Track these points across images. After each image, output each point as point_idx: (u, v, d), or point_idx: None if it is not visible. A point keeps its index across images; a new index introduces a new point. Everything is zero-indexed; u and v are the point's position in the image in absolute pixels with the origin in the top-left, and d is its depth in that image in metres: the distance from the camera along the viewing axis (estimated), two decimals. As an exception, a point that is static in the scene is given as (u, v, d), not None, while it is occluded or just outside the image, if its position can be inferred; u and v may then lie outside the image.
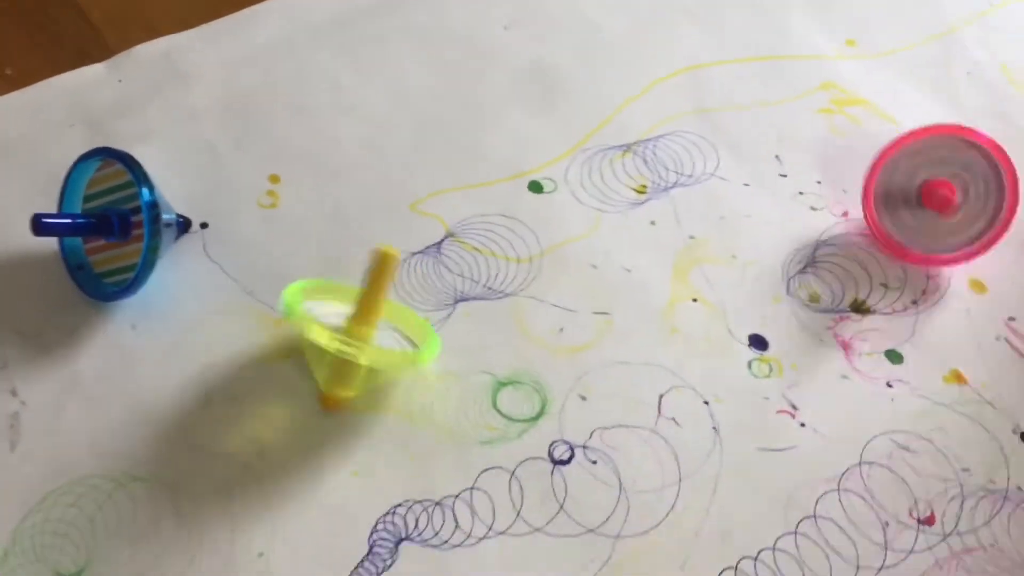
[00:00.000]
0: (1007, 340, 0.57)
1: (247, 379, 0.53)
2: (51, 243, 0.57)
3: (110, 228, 0.54)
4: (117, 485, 0.49)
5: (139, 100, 0.64)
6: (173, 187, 0.60)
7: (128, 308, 0.55)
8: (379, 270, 0.51)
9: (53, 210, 0.57)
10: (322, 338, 0.48)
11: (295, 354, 0.54)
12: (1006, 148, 0.56)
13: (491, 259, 0.59)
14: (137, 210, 0.54)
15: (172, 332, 0.54)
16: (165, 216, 0.54)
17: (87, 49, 0.66)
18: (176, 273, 0.57)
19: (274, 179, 0.61)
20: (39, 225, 0.52)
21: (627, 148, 0.64)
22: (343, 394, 0.52)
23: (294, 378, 0.53)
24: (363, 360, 0.49)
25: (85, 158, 0.56)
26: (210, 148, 0.62)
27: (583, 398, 0.54)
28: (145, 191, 0.52)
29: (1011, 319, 0.58)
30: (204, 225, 0.59)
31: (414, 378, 0.54)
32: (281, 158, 0.62)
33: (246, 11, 0.69)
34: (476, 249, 0.59)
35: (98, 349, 0.54)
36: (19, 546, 0.47)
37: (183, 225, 0.58)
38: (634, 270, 0.58)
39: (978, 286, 0.59)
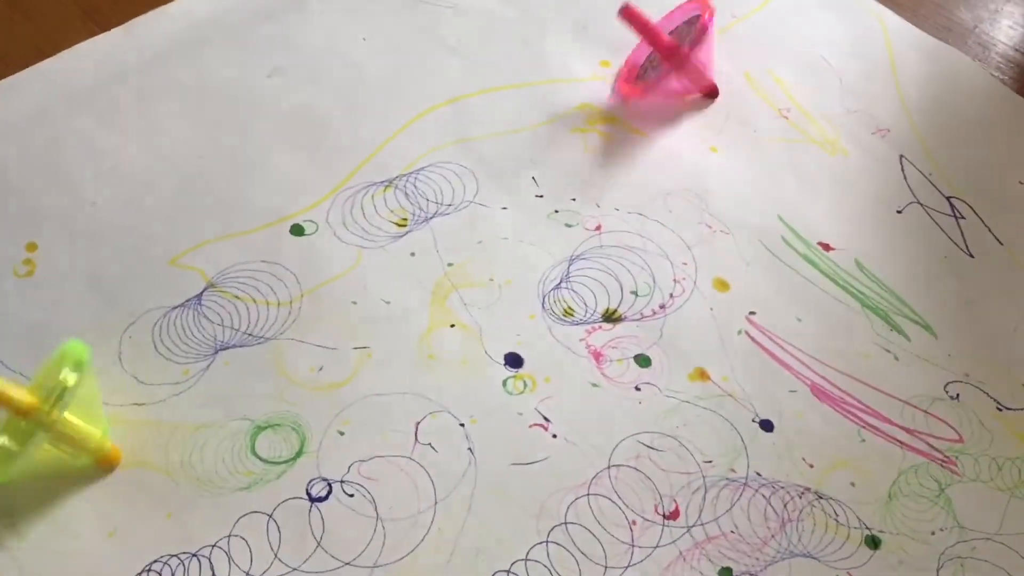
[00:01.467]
0: (747, 333, 0.60)
1: (-1, 452, 0.53)
2: None
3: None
4: None
5: None
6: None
7: None
8: None
9: None
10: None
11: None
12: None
13: (251, 305, 0.60)
14: None
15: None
16: None
17: None
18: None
19: (31, 247, 0.61)
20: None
21: (388, 183, 0.66)
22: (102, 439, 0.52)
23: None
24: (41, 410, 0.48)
25: None
26: (-40, 223, 0.62)
27: (341, 433, 0.55)
28: None
29: (751, 313, 0.61)
30: (-57, 302, 0.59)
31: (171, 433, 0.54)
32: (38, 225, 0.62)
33: (3, 82, 0.69)
34: (236, 297, 0.60)
35: None
36: None
37: None
38: (393, 302, 0.60)
39: (721, 284, 0.62)
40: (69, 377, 0.49)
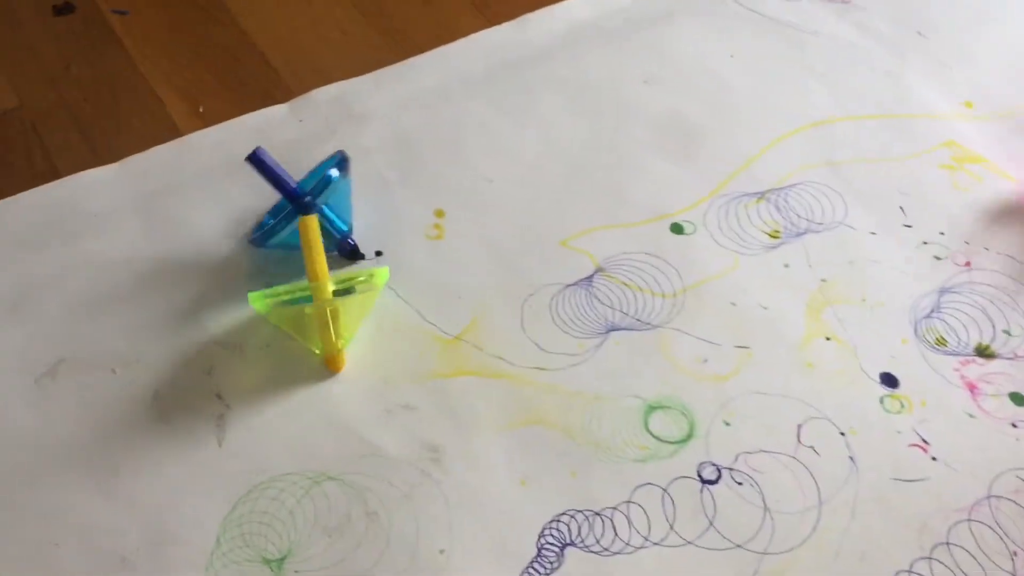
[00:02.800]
0: None
1: (423, 393, 0.59)
2: (251, 261, 0.64)
3: (293, 195, 0.62)
4: (313, 483, 0.55)
5: (318, 138, 0.71)
6: (355, 217, 0.66)
7: (315, 325, 0.62)
8: (303, 233, 0.60)
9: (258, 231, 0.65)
10: (287, 295, 0.59)
11: (469, 371, 0.60)
12: None
13: (638, 293, 0.64)
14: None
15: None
16: (329, 212, 0.63)
17: (270, 91, 0.74)
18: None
19: (439, 213, 0.67)
20: (253, 154, 0.61)
21: (760, 195, 0.69)
22: (339, 348, 0.59)
23: (470, 394, 0.59)
24: (327, 292, 0.58)
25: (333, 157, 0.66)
26: (382, 182, 0.69)
27: (727, 424, 0.58)
28: (331, 168, 0.62)
29: None
30: (379, 253, 0.65)
31: (571, 400, 0.59)
32: (443, 194, 0.68)
33: (407, 62, 0.76)
34: (624, 283, 0.64)
35: (290, 361, 0.60)
36: (228, 533, 0.53)
37: (352, 248, 0.64)
38: (770, 308, 0.63)
39: (1098, 336, 0.63)
40: (360, 284, 0.61)
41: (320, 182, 0.62)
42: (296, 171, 0.68)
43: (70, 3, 0.78)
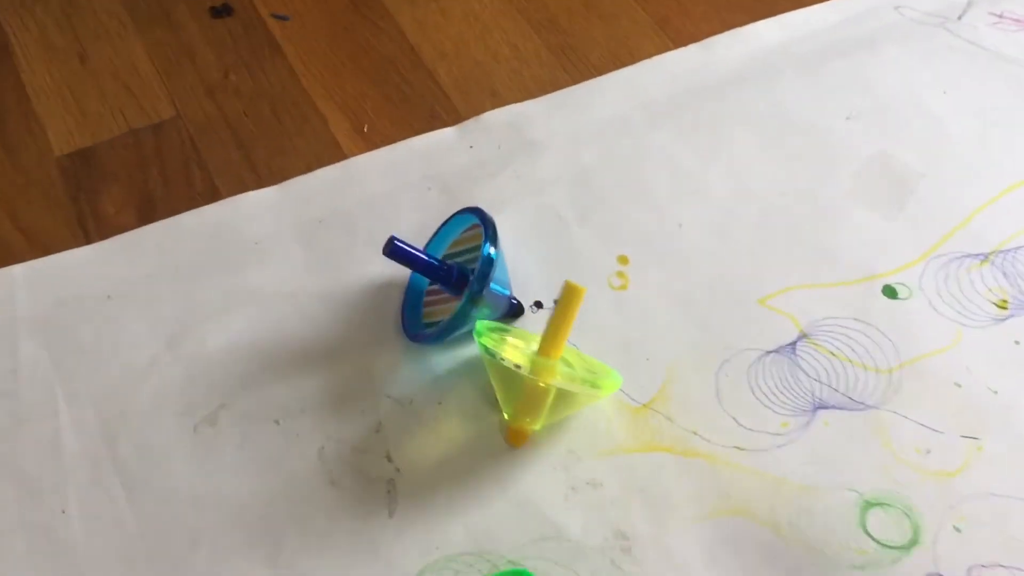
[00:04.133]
0: None
1: (610, 469, 0.53)
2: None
3: (447, 277, 0.56)
4: (491, 566, 0.50)
5: (490, 168, 0.65)
6: (525, 259, 0.61)
7: (488, 384, 0.56)
8: (566, 302, 0.52)
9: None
10: (515, 356, 0.51)
11: (660, 447, 0.54)
12: None
13: (848, 366, 0.57)
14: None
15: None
16: (496, 287, 0.55)
17: (436, 111, 0.68)
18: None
19: (623, 260, 0.61)
20: (391, 246, 0.54)
21: (984, 257, 0.61)
22: (529, 426, 0.53)
23: (662, 473, 0.53)
24: (554, 376, 0.51)
25: (461, 213, 0.59)
26: (560, 222, 0.63)
27: (957, 530, 0.51)
28: (488, 246, 0.54)
29: None
30: (539, 305, 0.59)
31: (776, 488, 0.52)
32: (627, 238, 0.62)
33: (585, 84, 0.70)
34: (832, 354, 0.57)
35: (463, 424, 0.55)
36: (401, 616, 0.49)
37: (515, 307, 0.58)
38: (1000, 392, 0.56)
39: None
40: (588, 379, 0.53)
41: (483, 265, 0.53)
42: (466, 201, 0.63)
43: (228, 4, 0.74)
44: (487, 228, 0.55)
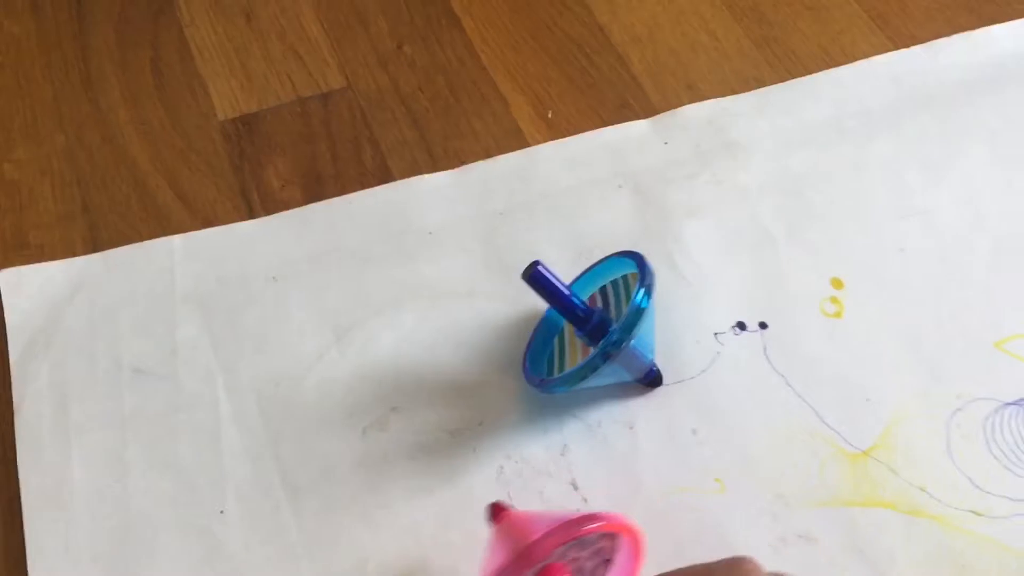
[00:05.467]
0: None
1: (825, 522, 0.47)
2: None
3: (584, 321, 0.48)
4: (691, 620, 0.44)
5: (686, 168, 0.59)
6: (726, 275, 0.55)
7: (689, 407, 0.50)
8: None
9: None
10: None
11: (883, 502, 0.47)
12: None
13: (1102, 429, 0.50)
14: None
15: (736, 447, 0.49)
16: (637, 345, 0.48)
17: (627, 100, 0.62)
18: (737, 377, 0.51)
19: (837, 284, 0.55)
20: (533, 271, 0.47)
21: None
22: None
23: (886, 533, 0.46)
24: None
25: (618, 256, 0.51)
26: (766, 236, 0.56)
27: None
28: (641, 293, 0.46)
29: None
30: (763, 325, 0.53)
31: (1020, 565, 0.45)
32: (841, 259, 0.55)
33: (794, 83, 0.62)
34: (1083, 413, 0.50)
35: (658, 451, 0.49)
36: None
37: (654, 375, 0.50)
38: None
39: None
40: None
41: (630, 315, 0.46)
42: (659, 203, 0.57)
43: (404, -30, 0.68)
44: (644, 275, 0.48)
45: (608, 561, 0.43)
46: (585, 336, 0.49)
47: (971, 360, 0.52)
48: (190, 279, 0.54)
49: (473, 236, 0.56)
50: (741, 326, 0.53)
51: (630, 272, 0.51)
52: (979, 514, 0.47)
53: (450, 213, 0.57)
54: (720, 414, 0.50)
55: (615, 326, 0.47)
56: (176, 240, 0.56)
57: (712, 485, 0.48)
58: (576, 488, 0.48)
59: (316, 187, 0.58)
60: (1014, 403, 0.50)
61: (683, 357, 0.52)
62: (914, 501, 0.47)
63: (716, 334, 0.53)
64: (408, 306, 0.54)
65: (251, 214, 0.57)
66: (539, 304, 0.50)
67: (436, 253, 0.56)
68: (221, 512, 0.47)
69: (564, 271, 0.52)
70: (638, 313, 0.46)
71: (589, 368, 0.47)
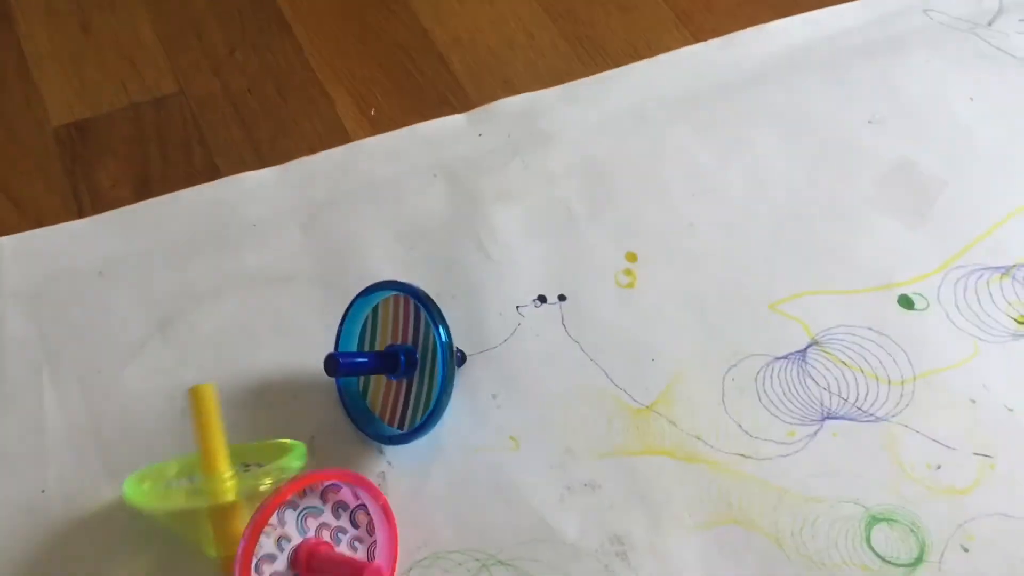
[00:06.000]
0: None
1: (609, 470, 0.51)
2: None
3: (395, 366, 0.51)
4: (481, 566, 0.48)
5: (499, 157, 0.63)
6: (530, 253, 0.59)
7: (491, 375, 0.54)
8: (199, 409, 0.46)
9: (410, 268, 0.57)
10: (184, 497, 0.46)
11: (662, 450, 0.52)
12: None
13: (860, 376, 0.55)
14: (424, 347, 0.51)
15: (532, 408, 0.53)
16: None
17: (447, 98, 0.66)
18: (536, 344, 0.56)
19: (631, 257, 0.60)
20: (337, 366, 0.49)
21: (1006, 271, 0.59)
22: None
23: (663, 478, 0.51)
24: (227, 495, 0.45)
25: (373, 291, 0.52)
26: (568, 215, 0.61)
27: (965, 549, 0.49)
28: (442, 331, 0.49)
29: None
30: (562, 297, 0.58)
31: (779, 499, 0.51)
32: (638, 236, 0.60)
33: (601, 75, 0.68)
34: (843, 363, 0.55)
35: (458, 416, 0.53)
36: (385, 615, 0.47)
37: (461, 358, 0.54)
38: (1017, 410, 0.54)
39: None
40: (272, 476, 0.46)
41: (444, 350, 0.49)
42: (472, 191, 0.61)
43: (238, -21, 0.72)
44: (430, 311, 0.49)
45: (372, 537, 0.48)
46: (398, 375, 0.51)
47: (748, 321, 0.57)
48: (18, 276, 0.57)
49: (296, 226, 0.60)
50: (542, 299, 0.58)
51: (388, 295, 0.52)
52: (747, 456, 0.52)
53: (274, 206, 0.61)
54: (518, 379, 0.54)
55: (443, 358, 0.48)
56: (4, 240, 0.59)
57: (507, 443, 0.52)
58: (382, 452, 0.52)
59: (145, 187, 0.61)
60: (783, 357, 0.56)
61: (486, 329, 0.56)
62: (690, 449, 0.52)
63: (518, 307, 0.57)
64: (229, 294, 0.57)
65: (81, 214, 0.60)
66: (353, 284, 0.54)
67: (260, 243, 0.59)
68: (42, 491, 0.50)
69: (384, 254, 0.57)
70: (448, 347, 0.49)
71: (445, 399, 0.49)
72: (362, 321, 0.54)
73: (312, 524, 0.45)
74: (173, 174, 0.62)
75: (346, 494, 0.47)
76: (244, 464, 0.50)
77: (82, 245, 0.59)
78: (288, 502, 0.45)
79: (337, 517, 0.46)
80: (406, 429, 0.51)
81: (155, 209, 0.60)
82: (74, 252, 0.58)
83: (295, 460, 0.48)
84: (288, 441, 0.51)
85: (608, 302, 0.58)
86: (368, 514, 0.47)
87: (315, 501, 0.46)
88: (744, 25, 0.70)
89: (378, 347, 0.53)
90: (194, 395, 0.46)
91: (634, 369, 0.55)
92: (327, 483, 0.46)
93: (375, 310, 0.53)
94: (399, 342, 0.52)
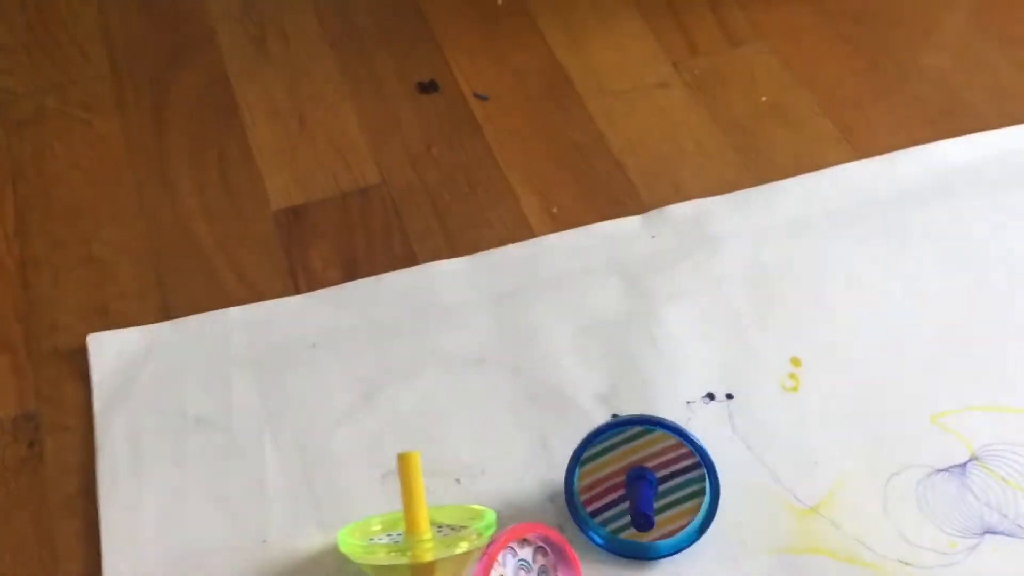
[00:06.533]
0: None
1: (775, 566, 0.54)
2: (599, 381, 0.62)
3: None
4: (654, 648, 0.52)
5: (670, 258, 0.68)
6: (698, 351, 0.63)
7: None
8: (406, 474, 0.51)
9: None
10: (387, 553, 0.51)
11: (825, 550, 0.55)
12: None
13: (1019, 494, 0.57)
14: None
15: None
16: None
17: (621, 198, 0.72)
18: (705, 441, 0.59)
19: (795, 362, 0.63)
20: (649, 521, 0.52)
21: None
22: None
23: (817, 570, 0.54)
24: (432, 550, 0.50)
25: (646, 423, 0.54)
26: (735, 318, 0.65)
27: None
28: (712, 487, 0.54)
29: None
30: (730, 396, 0.62)
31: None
32: (802, 341, 0.64)
33: (768, 186, 0.72)
34: (1004, 480, 0.58)
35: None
36: None
37: None
38: None
39: None
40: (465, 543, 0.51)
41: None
42: (646, 289, 0.66)
43: (435, 82, 0.80)
44: (707, 467, 0.54)
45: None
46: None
47: (909, 431, 0.60)
48: (244, 345, 0.64)
49: (486, 312, 0.66)
50: (710, 396, 0.62)
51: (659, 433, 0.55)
52: (908, 564, 0.55)
53: (465, 292, 0.67)
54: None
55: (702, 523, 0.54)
56: (233, 311, 0.66)
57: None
58: (563, 532, 0.56)
59: (352, 269, 0.68)
60: (944, 470, 0.58)
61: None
62: (852, 551, 0.55)
63: (688, 403, 0.62)
64: (427, 372, 0.63)
65: (297, 290, 0.67)
66: (536, 370, 0.60)
67: (453, 327, 0.65)
68: (264, 541, 0.56)
69: (565, 344, 0.62)
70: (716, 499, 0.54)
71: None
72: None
73: None
74: (376, 258, 0.69)
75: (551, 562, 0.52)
76: (437, 525, 0.55)
77: (298, 319, 0.66)
78: (509, 548, 0.50)
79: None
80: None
81: (361, 289, 0.67)
82: (291, 325, 0.65)
83: (487, 526, 0.53)
84: (479, 507, 0.56)
85: (774, 404, 0.61)
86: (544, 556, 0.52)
87: (527, 554, 0.51)
88: (905, 143, 0.74)
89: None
90: (403, 461, 0.52)
91: (799, 470, 0.58)
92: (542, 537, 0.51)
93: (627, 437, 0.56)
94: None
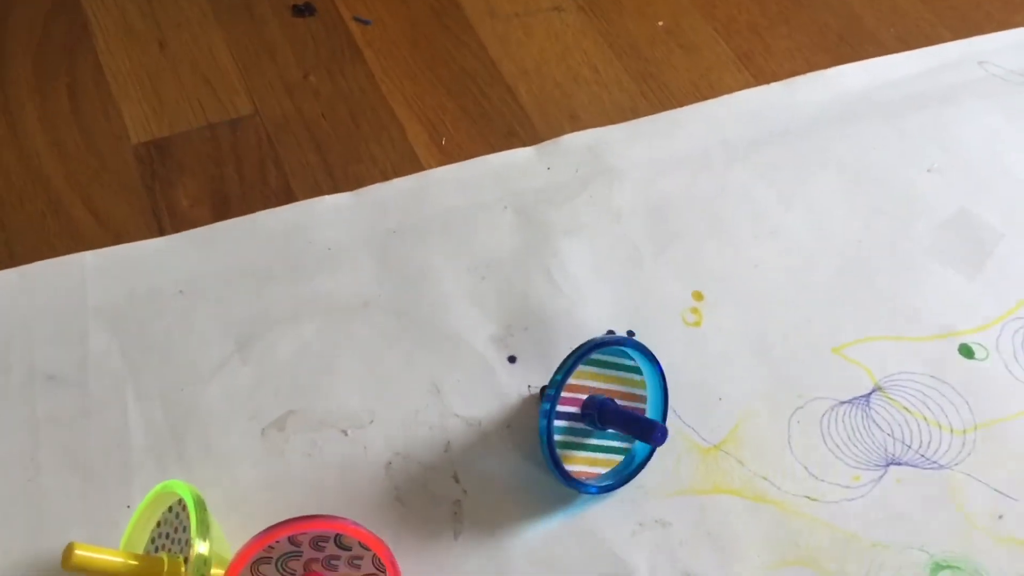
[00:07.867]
0: None
1: (679, 508, 0.52)
2: (497, 324, 0.58)
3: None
4: (559, 599, 0.49)
5: (567, 191, 0.65)
6: (598, 288, 0.60)
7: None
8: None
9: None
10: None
11: (730, 489, 0.53)
12: None
13: (923, 423, 0.56)
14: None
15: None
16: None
17: (515, 128, 0.68)
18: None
19: (698, 296, 0.61)
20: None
21: (1063, 324, 0.61)
22: None
23: (731, 517, 0.52)
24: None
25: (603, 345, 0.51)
26: (635, 252, 0.62)
27: (1031, 599, 0.51)
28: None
29: None
30: (631, 333, 0.59)
31: (846, 543, 0.52)
32: (703, 275, 0.62)
33: (666, 114, 0.69)
34: (906, 409, 0.57)
35: (526, 439, 0.54)
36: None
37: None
38: (1077, 464, 0.55)
39: None
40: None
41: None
42: (539, 224, 0.62)
43: (311, 4, 0.73)
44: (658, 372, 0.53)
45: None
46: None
47: (812, 364, 0.58)
48: (101, 292, 0.58)
49: (368, 253, 0.61)
50: (611, 334, 0.59)
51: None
52: (813, 499, 0.53)
53: (347, 232, 0.62)
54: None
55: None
56: (88, 256, 0.60)
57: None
58: (457, 481, 0.53)
59: (223, 207, 0.62)
60: (848, 401, 0.57)
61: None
62: (758, 489, 0.54)
63: (589, 341, 0.59)
64: (306, 318, 0.58)
65: (160, 231, 0.61)
66: (425, 313, 0.55)
67: (334, 268, 0.60)
68: (128, 507, 0.51)
69: (456, 283, 0.58)
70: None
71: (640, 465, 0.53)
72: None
73: (296, 566, 0.45)
74: (250, 195, 0.63)
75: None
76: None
77: (162, 263, 0.60)
78: (257, 559, 0.44)
79: (319, 549, 0.45)
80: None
81: (233, 230, 0.61)
82: (154, 270, 0.59)
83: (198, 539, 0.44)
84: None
85: (676, 340, 0.59)
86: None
87: (287, 547, 0.45)
88: (803, 68, 0.72)
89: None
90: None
91: (702, 408, 0.56)
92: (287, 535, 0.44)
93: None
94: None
